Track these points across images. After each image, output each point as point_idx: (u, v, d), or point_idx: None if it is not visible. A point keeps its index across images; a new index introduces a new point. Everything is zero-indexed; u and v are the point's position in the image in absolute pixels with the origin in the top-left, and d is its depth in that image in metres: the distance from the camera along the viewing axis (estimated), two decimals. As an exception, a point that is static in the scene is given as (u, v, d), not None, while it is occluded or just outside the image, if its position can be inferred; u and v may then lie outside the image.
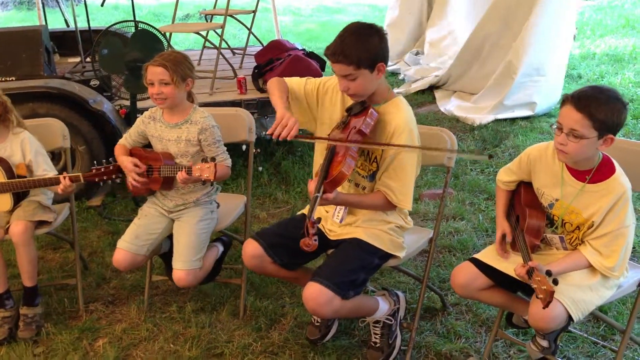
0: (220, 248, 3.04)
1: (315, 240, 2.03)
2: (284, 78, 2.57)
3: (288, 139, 2.25)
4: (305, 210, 2.70)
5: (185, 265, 2.67)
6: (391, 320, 2.65)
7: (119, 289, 3.25)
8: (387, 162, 2.40)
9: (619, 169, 2.18)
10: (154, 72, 2.66)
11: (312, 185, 2.23)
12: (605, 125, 2.05)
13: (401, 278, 3.25)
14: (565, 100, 2.11)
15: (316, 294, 2.30)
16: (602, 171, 2.18)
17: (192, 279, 2.69)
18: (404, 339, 2.72)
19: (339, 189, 2.29)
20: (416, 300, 2.90)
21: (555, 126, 2.14)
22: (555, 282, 1.95)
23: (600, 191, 2.16)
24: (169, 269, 2.90)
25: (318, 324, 2.76)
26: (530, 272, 2.03)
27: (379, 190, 2.44)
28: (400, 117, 2.39)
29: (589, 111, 2.03)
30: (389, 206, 2.46)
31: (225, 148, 2.82)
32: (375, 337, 2.64)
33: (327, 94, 2.55)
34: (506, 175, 2.48)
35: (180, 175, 2.61)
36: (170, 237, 2.87)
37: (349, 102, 2.47)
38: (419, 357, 2.68)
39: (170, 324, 2.94)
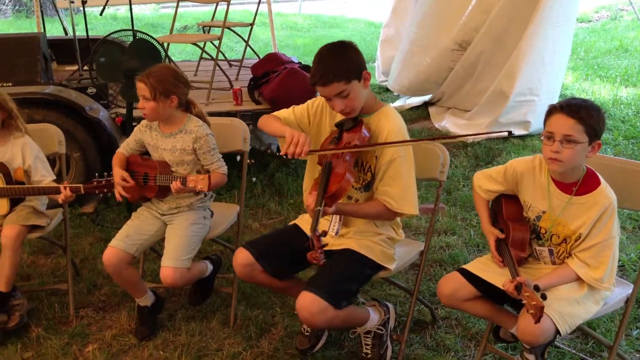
0: (210, 266, 3.05)
1: (322, 252, 2.04)
2: (272, 114, 2.62)
3: (302, 156, 2.29)
4: (298, 221, 2.72)
5: (173, 262, 2.67)
6: (382, 330, 2.66)
7: (110, 295, 3.25)
8: (383, 170, 2.42)
9: (603, 182, 2.23)
10: (138, 87, 2.72)
11: (310, 199, 2.25)
12: (594, 130, 2.13)
13: (391, 291, 3.27)
14: (552, 110, 2.17)
15: (309, 303, 2.31)
16: (588, 183, 2.22)
17: (179, 277, 2.68)
18: (393, 351, 2.73)
19: None
20: (406, 313, 2.92)
21: (544, 137, 2.18)
22: (544, 297, 1.97)
23: (586, 203, 2.20)
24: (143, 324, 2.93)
25: (308, 333, 2.76)
26: (518, 287, 2.05)
27: (377, 199, 2.46)
28: (391, 123, 2.44)
29: (580, 116, 2.10)
30: (389, 214, 2.46)
31: (221, 156, 2.84)
32: (366, 348, 2.65)
33: (317, 113, 2.60)
34: (489, 184, 2.48)
35: (175, 185, 2.63)
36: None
37: (336, 118, 2.51)
38: (408, 369, 2.69)
39: (160, 331, 2.94)
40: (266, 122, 2.55)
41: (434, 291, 3.25)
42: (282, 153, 2.33)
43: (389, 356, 2.69)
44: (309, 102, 2.64)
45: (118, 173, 2.78)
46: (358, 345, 2.71)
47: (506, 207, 2.42)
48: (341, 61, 2.33)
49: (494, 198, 2.51)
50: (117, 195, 2.77)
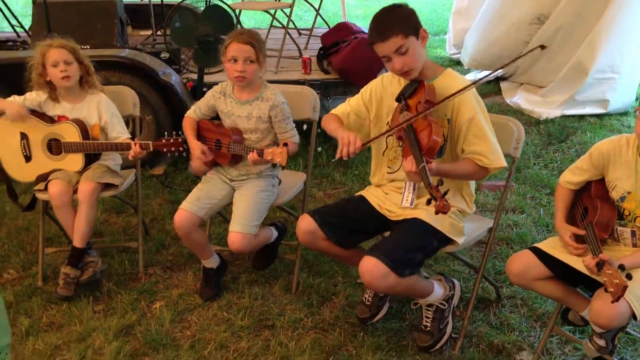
0: (275, 233, 3.08)
1: (446, 200, 2.03)
2: (332, 112, 2.66)
3: (357, 152, 2.33)
4: (364, 192, 2.70)
5: (241, 228, 2.71)
6: (444, 305, 2.62)
7: (177, 255, 3.34)
8: (464, 131, 2.38)
9: None
10: (241, 50, 2.67)
11: (408, 164, 2.22)
12: None
13: (455, 266, 3.22)
14: None
15: (372, 268, 2.31)
16: None
17: (247, 243, 2.72)
18: (455, 327, 2.70)
19: None
20: (470, 290, 2.87)
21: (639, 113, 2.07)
22: (629, 276, 1.88)
23: None
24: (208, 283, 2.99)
25: (369, 303, 2.77)
26: (600, 264, 1.97)
27: (467, 158, 2.41)
28: (459, 82, 2.39)
29: None
30: (482, 171, 2.42)
31: (294, 125, 2.84)
32: (426, 321, 2.63)
33: (372, 99, 2.60)
34: (575, 176, 2.40)
35: (252, 156, 2.65)
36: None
37: (392, 99, 2.49)
38: (469, 346, 2.65)
39: (224, 293, 3.00)
40: (326, 124, 2.62)
41: (499, 269, 3.18)
42: (337, 157, 2.38)
43: (448, 332, 2.66)
44: (362, 90, 2.65)
45: (197, 146, 2.80)
46: (419, 317, 2.69)
47: (595, 185, 2.33)
48: (397, 16, 2.35)
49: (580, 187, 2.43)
50: (194, 169, 2.80)
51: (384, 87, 2.58)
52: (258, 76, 2.79)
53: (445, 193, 2.05)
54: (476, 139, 2.38)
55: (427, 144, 2.20)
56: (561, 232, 2.34)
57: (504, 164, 2.41)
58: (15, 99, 2.94)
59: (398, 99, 2.44)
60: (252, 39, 2.69)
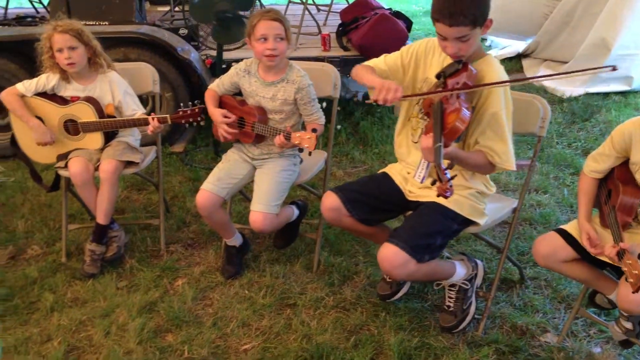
0: (296, 211, 3.06)
1: (451, 185, 1.94)
2: (364, 63, 2.52)
3: (395, 100, 2.20)
4: (387, 170, 2.66)
5: (263, 207, 2.69)
6: (467, 285, 2.61)
7: (198, 233, 3.34)
8: (484, 124, 2.30)
9: None
10: (271, 27, 2.61)
11: (425, 140, 2.14)
12: None
13: (478, 247, 3.19)
14: None
15: (391, 256, 2.28)
16: None
17: (268, 222, 2.71)
18: (478, 307, 2.68)
19: None
20: (493, 271, 2.84)
21: None
22: None
23: None
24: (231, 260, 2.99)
25: (390, 280, 2.76)
26: (620, 253, 1.93)
27: (480, 151, 2.34)
28: (493, 73, 2.30)
29: None
30: (490, 167, 2.36)
31: (320, 106, 2.80)
32: (449, 301, 2.61)
33: (411, 62, 2.47)
34: (599, 164, 2.33)
35: (279, 140, 2.61)
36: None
37: (433, 68, 2.40)
38: (493, 327, 2.63)
39: (246, 271, 3.00)
40: (357, 72, 2.48)
41: (522, 250, 3.15)
42: (371, 100, 2.26)
43: (472, 312, 2.64)
44: (403, 49, 2.51)
45: (217, 112, 2.77)
46: (442, 298, 2.67)
47: (619, 167, 2.28)
48: (474, 3, 2.15)
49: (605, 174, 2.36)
50: (221, 137, 2.78)
51: (426, 53, 2.45)
52: (286, 55, 2.73)
53: (452, 178, 1.96)
54: (495, 136, 2.30)
55: (451, 126, 2.12)
56: (581, 230, 2.27)
57: (514, 167, 2.35)
58: (25, 85, 2.91)
59: (438, 76, 2.36)
60: (279, 15, 2.65)
